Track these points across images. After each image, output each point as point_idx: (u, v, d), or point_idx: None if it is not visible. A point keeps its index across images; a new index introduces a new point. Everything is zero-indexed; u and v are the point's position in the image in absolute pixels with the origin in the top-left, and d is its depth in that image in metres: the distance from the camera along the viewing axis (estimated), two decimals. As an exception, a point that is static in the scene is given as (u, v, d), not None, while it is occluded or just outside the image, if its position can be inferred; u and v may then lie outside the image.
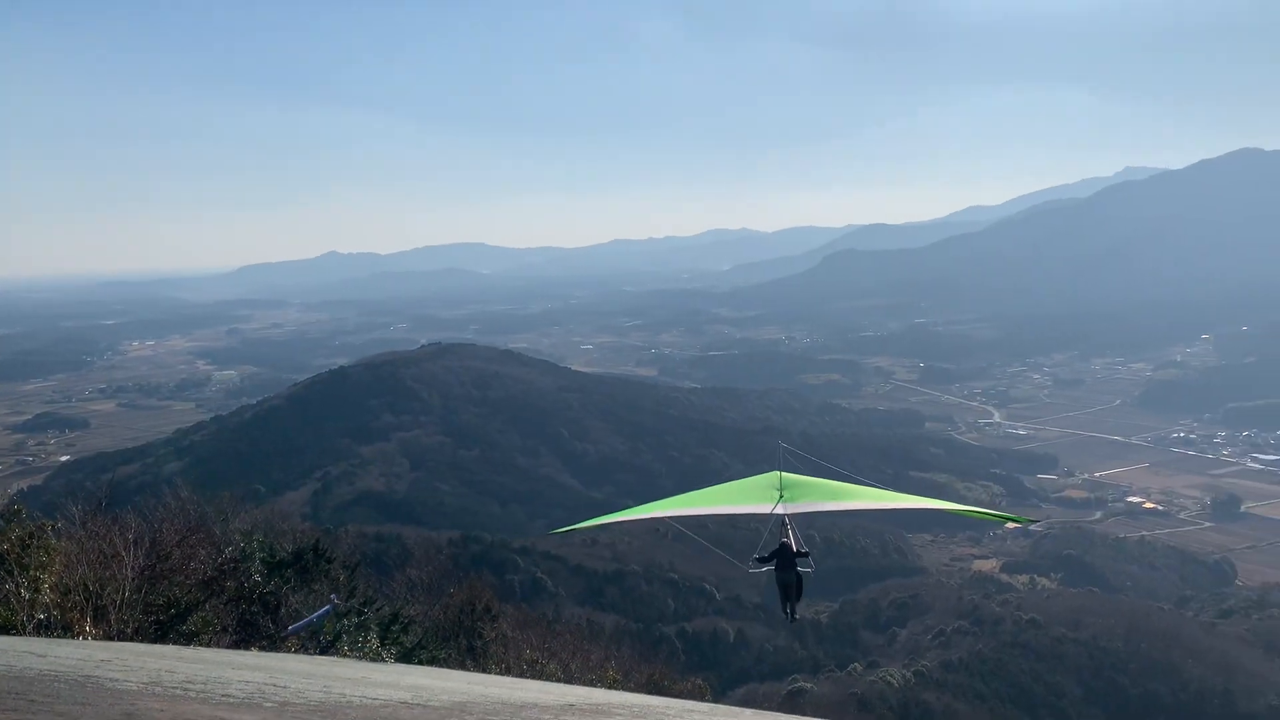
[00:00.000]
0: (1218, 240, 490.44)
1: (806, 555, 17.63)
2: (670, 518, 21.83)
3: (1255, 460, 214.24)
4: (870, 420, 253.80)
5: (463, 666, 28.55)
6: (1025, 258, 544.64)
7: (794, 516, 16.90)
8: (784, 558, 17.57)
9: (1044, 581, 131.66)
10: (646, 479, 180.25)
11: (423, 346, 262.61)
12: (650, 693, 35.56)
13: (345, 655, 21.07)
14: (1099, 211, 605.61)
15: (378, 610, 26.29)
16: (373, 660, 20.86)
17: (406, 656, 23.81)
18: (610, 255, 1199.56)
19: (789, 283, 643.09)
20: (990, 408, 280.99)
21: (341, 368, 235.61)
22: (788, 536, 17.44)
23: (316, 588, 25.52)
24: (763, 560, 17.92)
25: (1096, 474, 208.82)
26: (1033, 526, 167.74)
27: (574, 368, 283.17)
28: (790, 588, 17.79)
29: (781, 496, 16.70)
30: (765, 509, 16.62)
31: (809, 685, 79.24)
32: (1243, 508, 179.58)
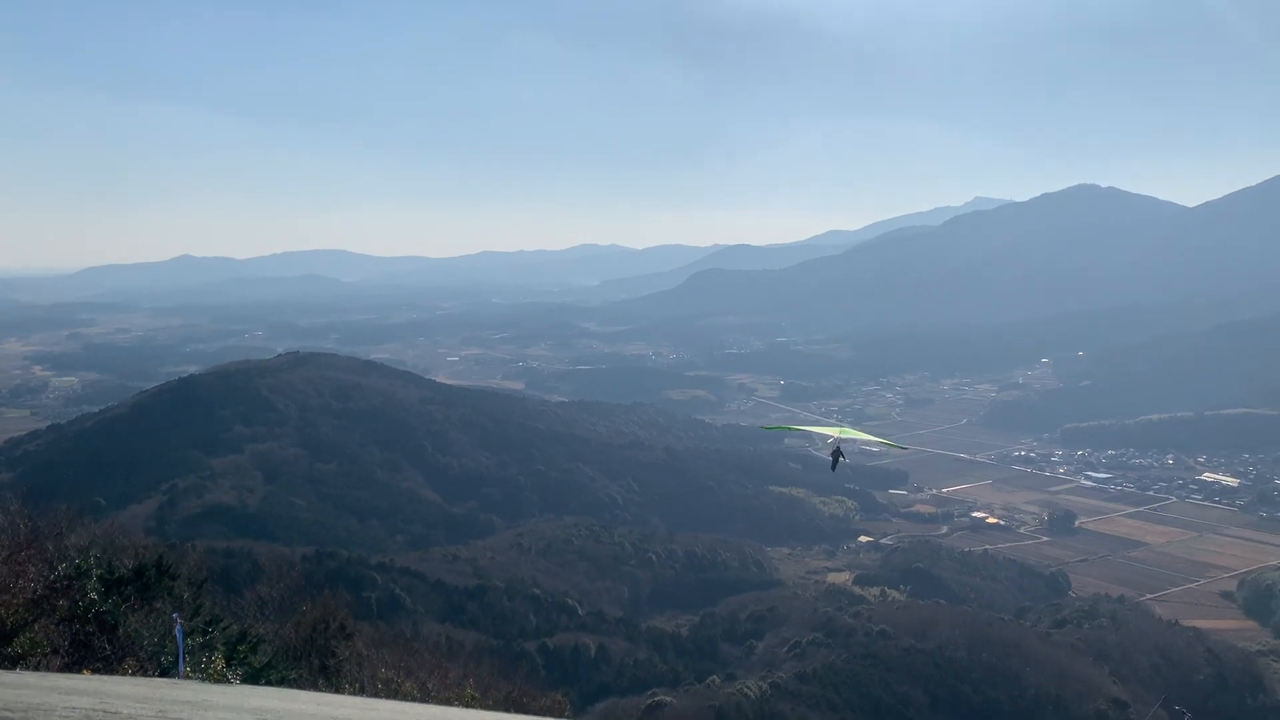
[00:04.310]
0: (1057, 269, 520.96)
1: (840, 454, 34.23)
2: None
3: (1088, 478, 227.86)
4: (733, 436, 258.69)
5: (315, 687, 27.76)
6: (880, 281, 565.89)
7: (843, 441, 34.45)
8: (836, 454, 34.28)
9: (894, 594, 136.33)
10: (512, 493, 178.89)
11: (280, 355, 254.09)
12: (509, 710, 35.30)
13: (188, 677, 20.21)
14: (949, 239, 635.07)
15: (224, 629, 25.32)
16: (216, 682, 20.08)
17: (254, 677, 23.00)
18: (479, 267, 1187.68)
19: (657, 299, 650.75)
20: (845, 425, 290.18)
21: (192, 376, 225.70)
22: (839, 450, 34.13)
23: (159, 606, 24.41)
24: (835, 455, 34.16)
25: (944, 490, 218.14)
26: (884, 540, 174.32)
27: (439, 379, 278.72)
28: (835, 460, 34.43)
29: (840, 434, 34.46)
30: (833, 433, 34.69)
31: (668, 699, 79.93)
32: (1076, 523, 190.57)
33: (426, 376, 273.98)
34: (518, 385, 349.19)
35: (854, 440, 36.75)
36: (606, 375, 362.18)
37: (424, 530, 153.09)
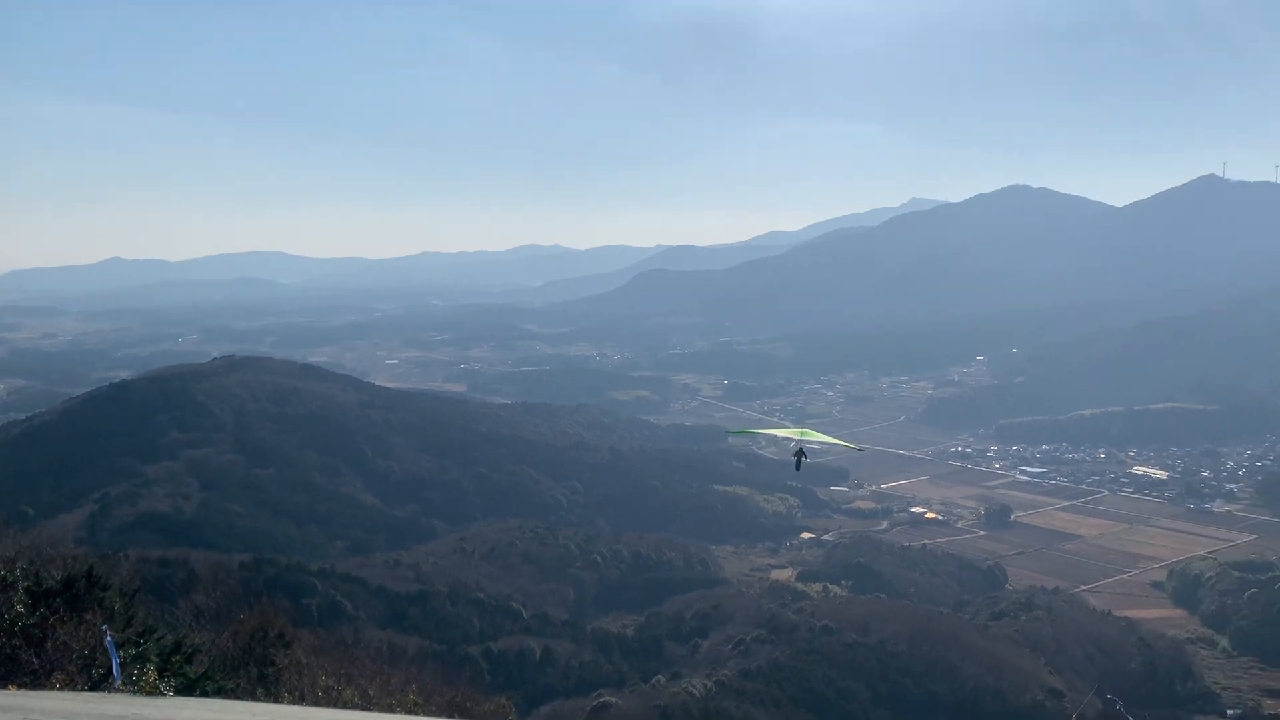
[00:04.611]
0: (991, 268, 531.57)
1: (803, 453, 35.19)
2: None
3: (1023, 473, 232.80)
4: (677, 435, 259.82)
5: (253, 696, 27.29)
6: (821, 281, 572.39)
7: (804, 443, 34.66)
8: (799, 455, 35.26)
9: (836, 589, 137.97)
10: (454, 496, 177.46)
11: (215, 359, 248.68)
12: (452, 715, 35.07)
13: (119, 690, 19.73)
14: (887, 239, 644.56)
15: (158, 640, 24.75)
16: (149, 694, 19.63)
17: (189, 688, 22.52)
18: (419, 268, 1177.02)
19: (601, 300, 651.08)
20: (788, 422, 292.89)
21: (124, 381, 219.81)
22: (802, 449, 34.88)
23: (89, 618, 23.77)
24: (798, 455, 35.43)
25: (883, 486, 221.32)
26: (825, 536, 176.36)
27: (379, 383, 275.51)
28: (799, 460, 36.13)
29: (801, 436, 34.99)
30: (795, 438, 34.96)
31: (614, 699, 80.00)
32: (1012, 517, 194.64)
33: (366, 380, 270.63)
34: (460, 388, 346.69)
35: (814, 442, 37.01)
36: (550, 376, 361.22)
37: (365, 535, 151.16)
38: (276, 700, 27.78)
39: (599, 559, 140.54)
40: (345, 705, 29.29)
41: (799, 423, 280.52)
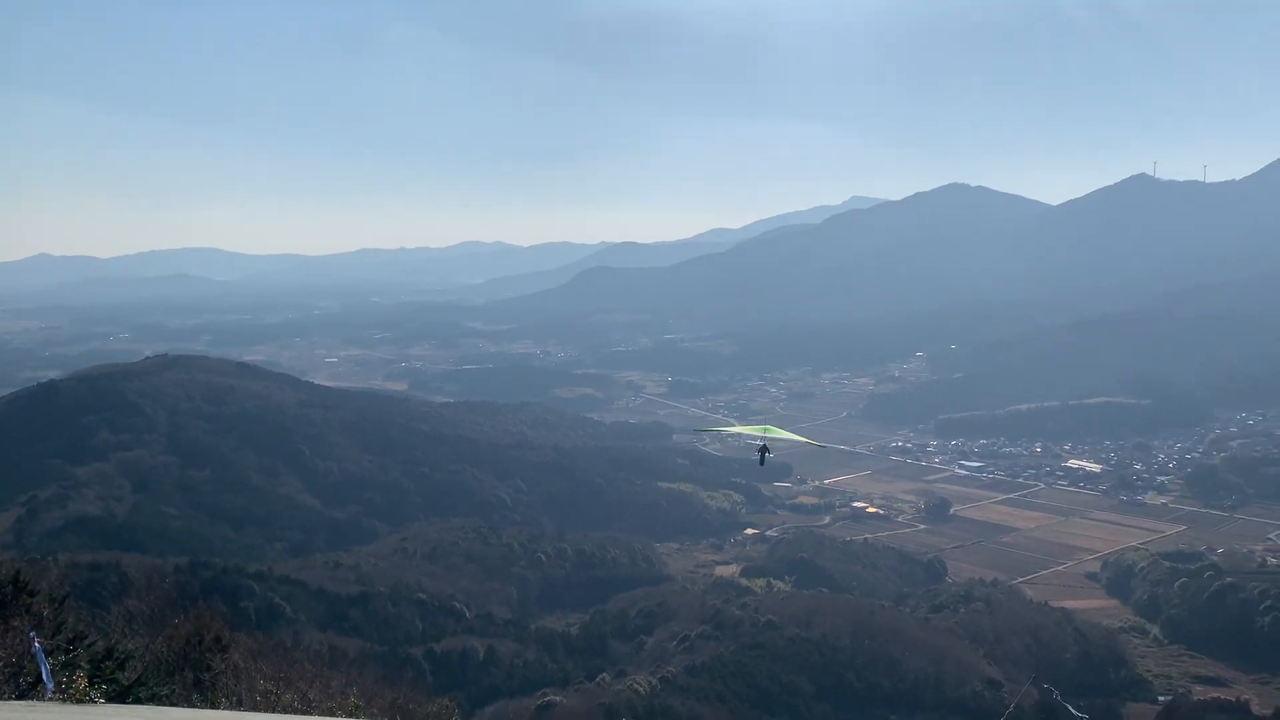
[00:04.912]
0: (930, 265, 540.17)
1: (766, 450, 37.42)
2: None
3: (962, 467, 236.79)
4: (622, 433, 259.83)
5: (188, 702, 26.62)
6: (764, 278, 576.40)
7: (770, 442, 35.52)
8: (763, 451, 37.47)
9: (780, 584, 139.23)
10: (396, 497, 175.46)
11: (147, 358, 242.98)
12: (393, 717, 34.61)
13: (49, 699, 19.09)
14: (828, 237, 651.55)
15: (89, 646, 24.00)
16: (79, 702, 19.01)
17: (122, 695, 21.87)
18: (358, 265, 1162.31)
19: (544, 297, 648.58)
20: (732, 419, 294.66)
21: (52, 381, 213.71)
22: (765, 446, 36.66)
23: (16, 625, 22.97)
24: (762, 452, 37.59)
25: (826, 481, 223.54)
26: (769, 532, 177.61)
27: (318, 381, 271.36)
28: (762, 456, 38.34)
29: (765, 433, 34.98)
30: (759, 435, 35.09)
31: (559, 698, 79.83)
32: (952, 510, 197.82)
33: (304, 378, 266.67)
34: (401, 386, 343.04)
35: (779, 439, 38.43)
36: (493, 375, 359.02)
37: (304, 537, 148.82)
38: (213, 706, 27.14)
39: (543, 558, 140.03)
40: (284, 709, 28.72)
41: (743, 419, 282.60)
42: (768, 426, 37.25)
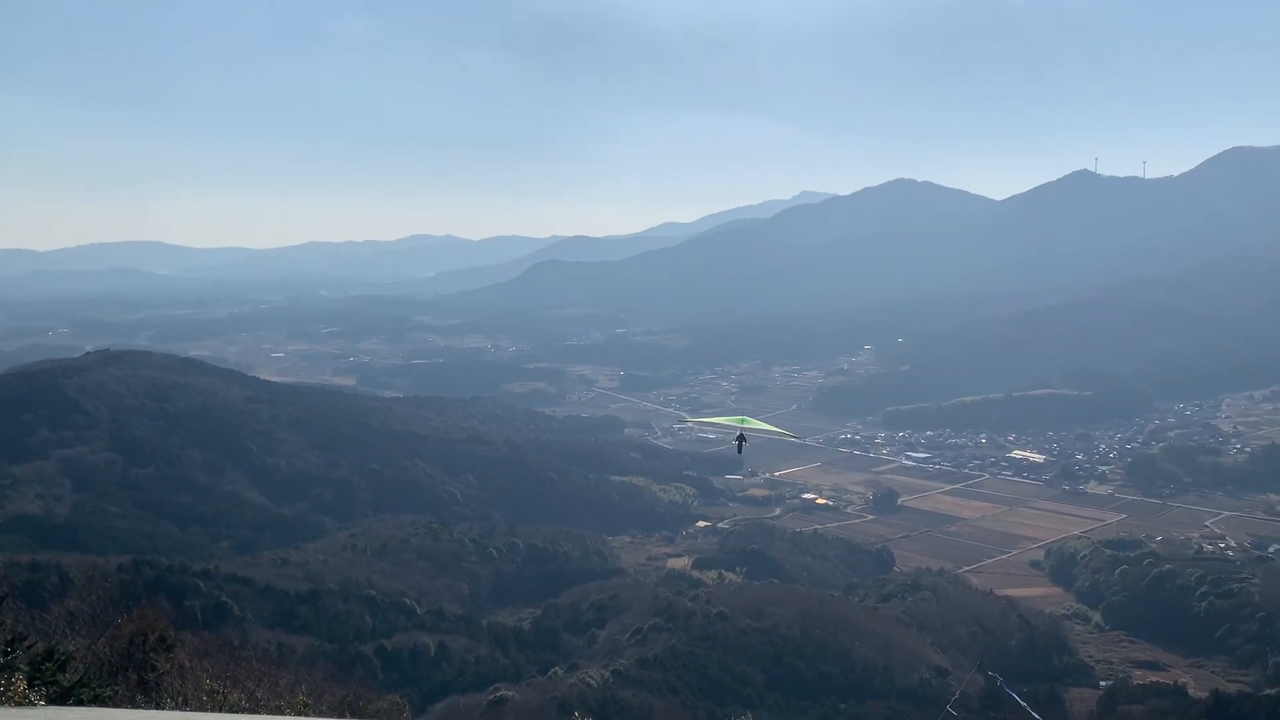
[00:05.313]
0: (878, 259, 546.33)
1: (743, 438, 39.33)
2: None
3: (909, 458, 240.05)
4: (574, 427, 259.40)
5: (132, 703, 26.24)
6: (714, 272, 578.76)
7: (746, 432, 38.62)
8: (740, 440, 39.39)
9: (731, 576, 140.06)
10: (345, 493, 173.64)
11: (88, 354, 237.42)
12: (343, 715, 34.37)
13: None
14: (778, 231, 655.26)
15: (28, 648, 23.52)
16: (18, 705, 18.65)
17: (63, 697, 21.48)
18: (305, 258, 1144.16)
19: (494, 291, 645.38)
20: (684, 413, 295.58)
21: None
22: (743, 435, 38.96)
23: (-50, 628, 22.46)
24: (740, 440, 39.49)
25: (776, 473, 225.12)
26: (721, 524, 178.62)
27: (264, 377, 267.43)
28: (739, 445, 40.01)
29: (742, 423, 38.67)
30: (737, 426, 38.67)
31: (511, 693, 79.75)
32: (899, 501, 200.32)
33: (250, 374, 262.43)
34: (349, 381, 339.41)
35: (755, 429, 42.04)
36: (444, 369, 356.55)
37: (251, 535, 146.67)
38: (159, 706, 26.77)
39: (494, 553, 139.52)
40: (232, 709, 28.39)
41: (694, 413, 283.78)
42: (744, 417, 40.36)
